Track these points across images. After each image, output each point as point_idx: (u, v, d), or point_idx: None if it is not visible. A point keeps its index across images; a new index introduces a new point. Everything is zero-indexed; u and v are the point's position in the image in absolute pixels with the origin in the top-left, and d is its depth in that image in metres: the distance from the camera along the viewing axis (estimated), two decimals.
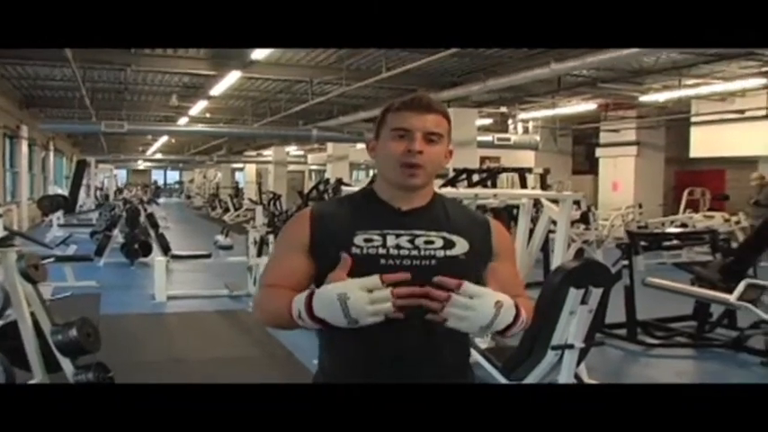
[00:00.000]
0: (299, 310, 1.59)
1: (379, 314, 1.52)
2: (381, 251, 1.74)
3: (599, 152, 20.35)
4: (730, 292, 5.52)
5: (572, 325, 4.10)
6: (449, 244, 1.78)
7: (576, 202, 11.35)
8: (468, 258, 1.79)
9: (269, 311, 1.73)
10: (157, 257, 9.75)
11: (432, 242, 1.77)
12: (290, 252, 1.82)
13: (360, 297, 1.51)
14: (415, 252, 1.75)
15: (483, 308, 1.59)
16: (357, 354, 1.74)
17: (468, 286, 1.60)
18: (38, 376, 4.47)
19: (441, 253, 1.76)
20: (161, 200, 35.48)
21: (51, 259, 6.70)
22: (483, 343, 5.04)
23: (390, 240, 1.75)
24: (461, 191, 7.45)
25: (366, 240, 1.74)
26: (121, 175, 47.91)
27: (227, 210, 25.33)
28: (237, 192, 30.94)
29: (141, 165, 47.61)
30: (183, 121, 20.21)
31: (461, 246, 1.79)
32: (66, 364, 4.37)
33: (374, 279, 1.53)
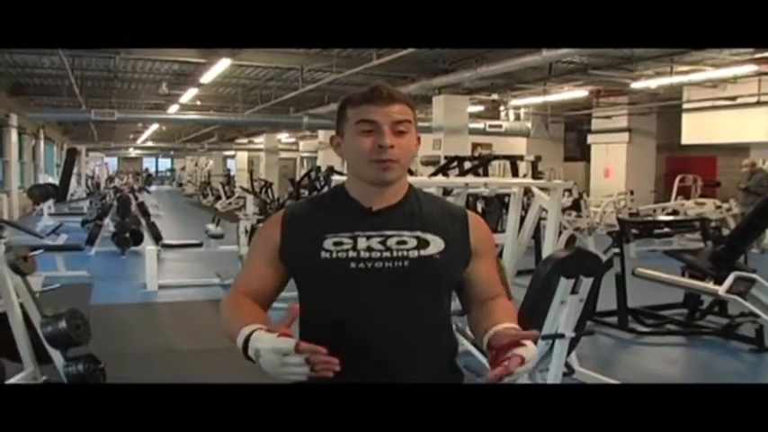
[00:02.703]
0: (239, 344, 1.56)
1: (294, 376, 1.45)
2: (352, 254, 1.67)
3: (591, 139, 20.33)
4: (721, 280, 5.51)
5: (562, 314, 4.11)
6: (423, 243, 1.71)
7: (568, 190, 11.41)
8: (444, 257, 1.71)
9: (225, 323, 1.68)
10: (148, 246, 9.71)
11: (404, 242, 1.70)
12: (260, 257, 1.78)
13: (271, 360, 1.46)
14: (387, 254, 1.68)
15: (531, 365, 1.56)
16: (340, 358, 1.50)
17: (527, 357, 1.53)
18: (28, 368, 4.46)
19: (414, 253, 1.69)
20: (152, 188, 35.24)
21: (40, 251, 6.64)
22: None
23: (361, 243, 1.68)
24: (452, 179, 7.45)
25: (336, 244, 1.68)
26: (112, 163, 47.62)
27: (218, 197, 25.34)
28: (229, 179, 30.87)
29: (132, 152, 47.37)
30: (173, 108, 20.10)
31: (436, 245, 1.71)
32: (57, 356, 4.37)
33: (288, 344, 1.44)
